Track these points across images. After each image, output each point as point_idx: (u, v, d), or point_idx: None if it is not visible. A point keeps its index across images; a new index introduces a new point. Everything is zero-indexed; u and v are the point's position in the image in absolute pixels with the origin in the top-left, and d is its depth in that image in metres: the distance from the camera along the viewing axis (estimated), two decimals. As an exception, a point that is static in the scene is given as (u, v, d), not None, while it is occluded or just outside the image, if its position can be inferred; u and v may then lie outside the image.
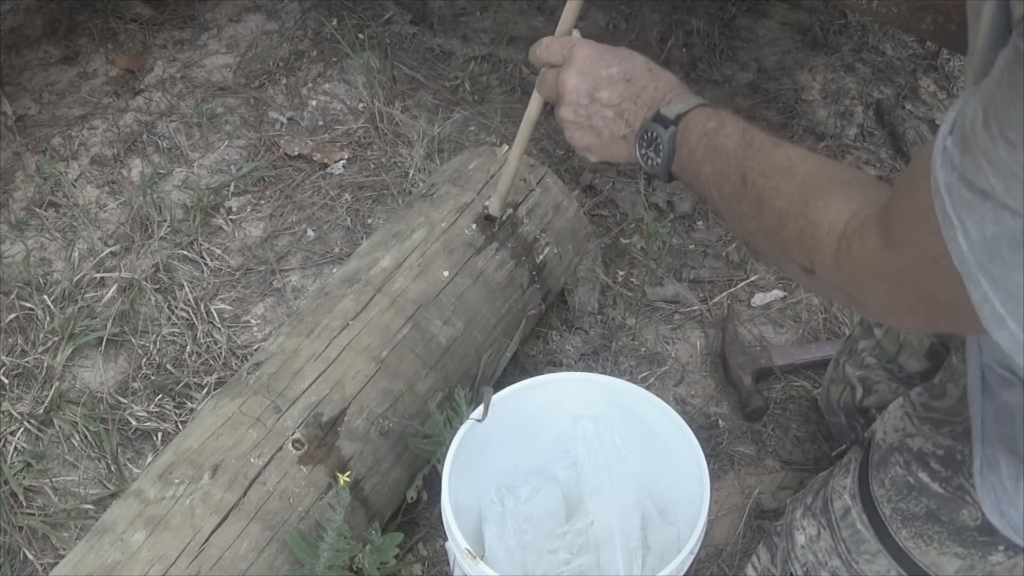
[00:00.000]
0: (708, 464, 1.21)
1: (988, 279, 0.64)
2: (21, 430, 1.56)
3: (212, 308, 1.74)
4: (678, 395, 1.67)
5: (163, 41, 2.28)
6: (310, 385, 1.29)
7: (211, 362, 1.66)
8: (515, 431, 1.32)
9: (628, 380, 1.33)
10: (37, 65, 2.19)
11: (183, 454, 1.22)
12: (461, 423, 1.25)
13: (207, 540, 1.14)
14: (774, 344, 1.74)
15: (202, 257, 1.83)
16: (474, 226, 1.49)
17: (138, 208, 1.88)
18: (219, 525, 1.15)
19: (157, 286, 1.76)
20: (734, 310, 1.78)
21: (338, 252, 1.86)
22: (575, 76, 1.08)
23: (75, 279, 1.76)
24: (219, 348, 1.68)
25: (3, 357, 1.64)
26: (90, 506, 1.48)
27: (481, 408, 1.25)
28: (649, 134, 1.03)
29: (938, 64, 2.31)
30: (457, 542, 1.14)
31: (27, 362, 1.63)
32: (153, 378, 1.63)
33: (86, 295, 1.75)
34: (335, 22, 2.29)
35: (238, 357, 1.67)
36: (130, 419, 1.58)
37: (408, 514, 1.45)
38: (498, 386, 1.29)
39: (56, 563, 1.21)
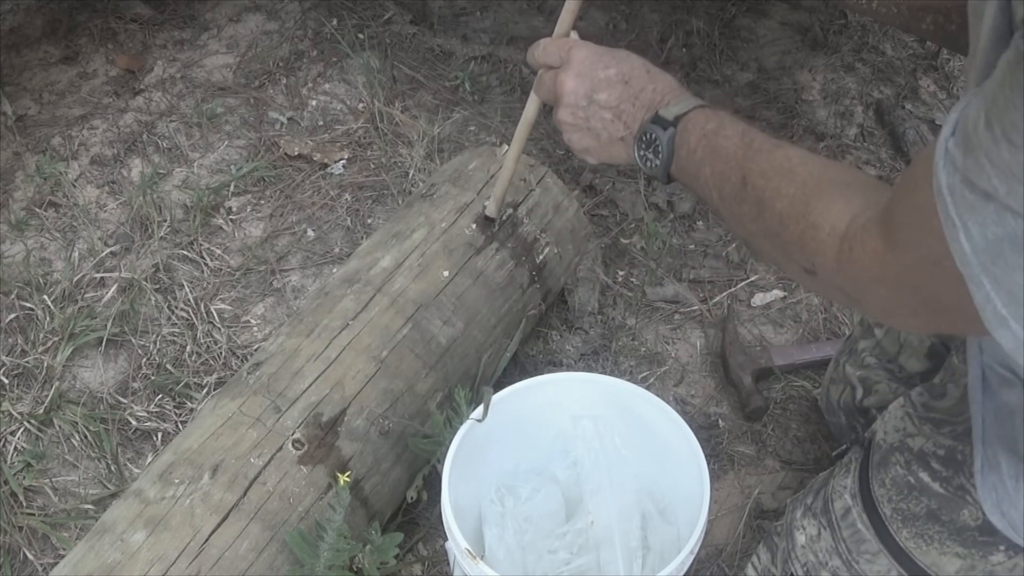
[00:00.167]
0: (708, 464, 1.21)
1: (990, 280, 0.64)
2: (21, 430, 1.56)
3: (212, 308, 1.74)
4: (678, 395, 1.67)
5: (163, 41, 2.28)
6: (310, 385, 1.29)
7: (211, 362, 1.66)
8: (515, 431, 1.32)
9: (628, 380, 1.33)
10: (37, 65, 2.19)
11: (183, 454, 1.22)
12: (461, 423, 1.25)
13: (207, 540, 1.14)
14: (774, 344, 1.74)
15: (202, 257, 1.83)
16: (474, 226, 1.49)
17: (138, 208, 1.88)
18: (219, 525, 1.15)
19: (157, 286, 1.76)
20: (734, 310, 1.78)
21: (338, 252, 1.86)
22: (573, 78, 1.08)
23: (75, 279, 1.76)
24: (219, 348, 1.68)
25: (3, 357, 1.64)
26: (90, 506, 1.48)
27: (481, 408, 1.25)
28: (648, 136, 1.03)
29: (938, 64, 2.31)
30: (457, 542, 1.14)
31: (27, 362, 1.63)
32: (153, 378, 1.63)
33: (86, 295, 1.75)
34: (335, 22, 2.29)
35: (238, 357, 1.67)
36: (130, 419, 1.58)
37: (408, 514, 1.45)
38: (498, 386, 1.29)
39: (56, 563, 1.21)
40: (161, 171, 1.98)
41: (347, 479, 1.20)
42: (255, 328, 1.74)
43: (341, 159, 2.02)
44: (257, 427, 1.24)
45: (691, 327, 1.77)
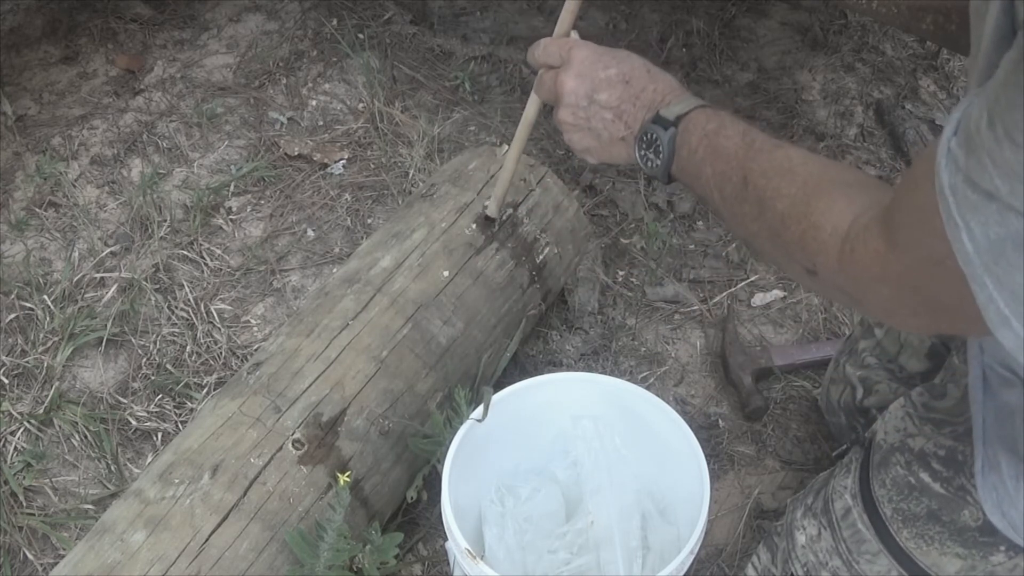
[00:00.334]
0: (708, 464, 1.20)
1: (993, 280, 0.64)
2: (21, 430, 1.56)
3: (212, 308, 1.74)
4: (678, 395, 1.67)
5: (163, 41, 2.28)
6: (310, 385, 1.29)
7: (211, 362, 1.66)
8: (515, 431, 1.32)
9: (628, 380, 1.33)
10: (37, 65, 2.19)
11: (183, 454, 1.22)
12: (461, 423, 1.25)
13: (207, 540, 1.14)
14: (774, 344, 1.74)
15: (202, 257, 1.83)
16: (474, 226, 1.49)
17: (138, 208, 1.88)
18: (219, 525, 1.15)
19: (157, 286, 1.76)
20: (734, 310, 1.78)
21: (338, 252, 1.86)
22: (573, 78, 1.08)
23: (75, 279, 1.76)
24: (219, 348, 1.68)
25: (3, 357, 1.64)
26: (90, 506, 1.48)
27: (481, 408, 1.25)
28: (649, 136, 1.03)
29: (938, 64, 2.31)
30: (457, 542, 1.14)
31: (27, 362, 1.63)
32: (153, 378, 1.63)
33: (86, 295, 1.75)
34: (335, 22, 2.29)
35: (238, 357, 1.67)
36: (130, 419, 1.58)
37: (408, 514, 1.45)
38: (498, 386, 1.29)
39: (56, 563, 1.21)
40: (161, 171, 1.98)
41: (347, 479, 1.20)
42: (255, 328, 1.74)
43: (341, 159, 2.02)
44: (257, 427, 1.24)
45: (691, 327, 1.77)
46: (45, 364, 1.63)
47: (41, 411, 1.58)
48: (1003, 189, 0.60)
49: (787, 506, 1.24)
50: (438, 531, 1.44)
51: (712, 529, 1.48)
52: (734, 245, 1.89)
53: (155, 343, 1.68)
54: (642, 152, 1.04)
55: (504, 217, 1.51)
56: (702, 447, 1.22)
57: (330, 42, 2.25)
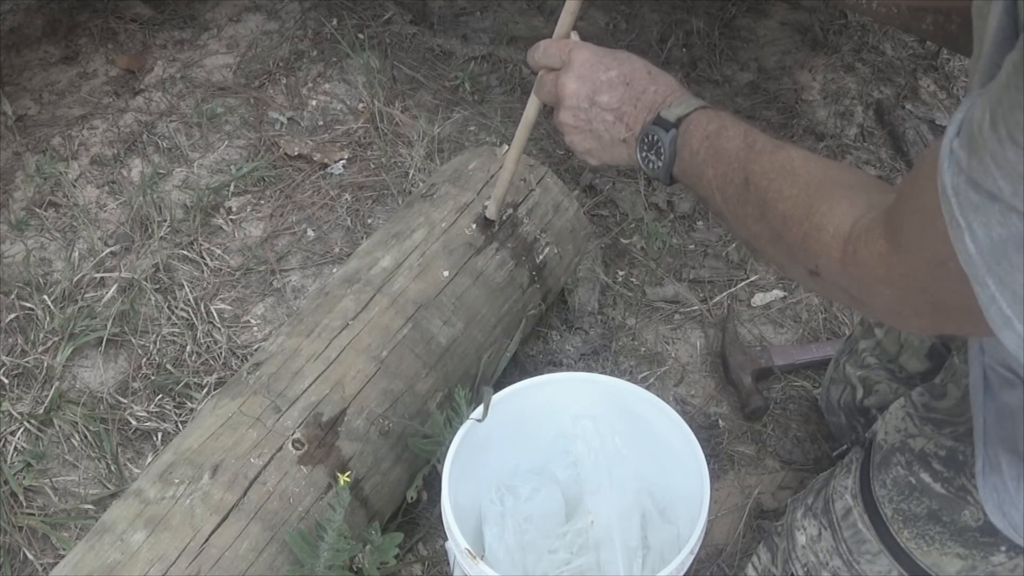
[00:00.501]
0: (708, 464, 1.20)
1: (995, 281, 0.64)
2: (21, 430, 1.56)
3: (212, 308, 1.74)
4: (678, 395, 1.67)
5: (163, 41, 2.28)
6: (310, 385, 1.29)
7: (211, 362, 1.66)
8: (515, 431, 1.32)
9: (628, 380, 1.33)
10: (37, 65, 2.19)
11: (183, 454, 1.22)
12: (461, 423, 1.25)
13: (207, 540, 1.14)
14: (774, 344, 1.74)
15: (202, 257, 1.83)
16: (474, 226, 1.49)
17: (138, 208, 1.88)
18: (219, 525, 1.15)
19: (157, 286, 1.76)
20: (734, 310, 1.78)
21: (338, 252, 1.86)
22: (574, 80, 1.08)
23: (75, 279, 1.76)
24: (219, 348, 1.68)
25: (3, 357, 1.64)
26: (90, 506, 1.48)
27: (481, 408, 1.25)
28: (650, 137, 1.03)
29: (938, 64, 2.31)
30: (457, 542, 1.14)
31: (27, 362, 1.63)
32: (153, 378, 1.63)
33: (86, 295, 1.75)
34: (335, 22, 2.29)
35: (238, 357, 1.67)
36: (130, 419, 1.58)
37: (408, 514, 1.45)
38: (498, 386, 1.29)
39: (56, 563, 1.21)
40: (161, 171, 1.98)
41: (347, 479, 1.20)
42: (255, 328, 1.74)
43: (341, 159, 2.02)
44: (257, 427, 1.24)
45: (691, 327, 1.77)
46: (45, 364, 1.63)
47: (41, 411, 1.58)
48: (1006, 190, 0.60)
49: (787, 506, 1.24)
50: (438, 531, 1.44)
51: (712, 529, 1.48)
52: (734, 245, 1.89)
53: (155, 343, 1.68)
54: (643, 154, 1.04)
55: (504, 217, 1.51)
56: (702, 447, 1.22)
57: (330, 42, 2.25)
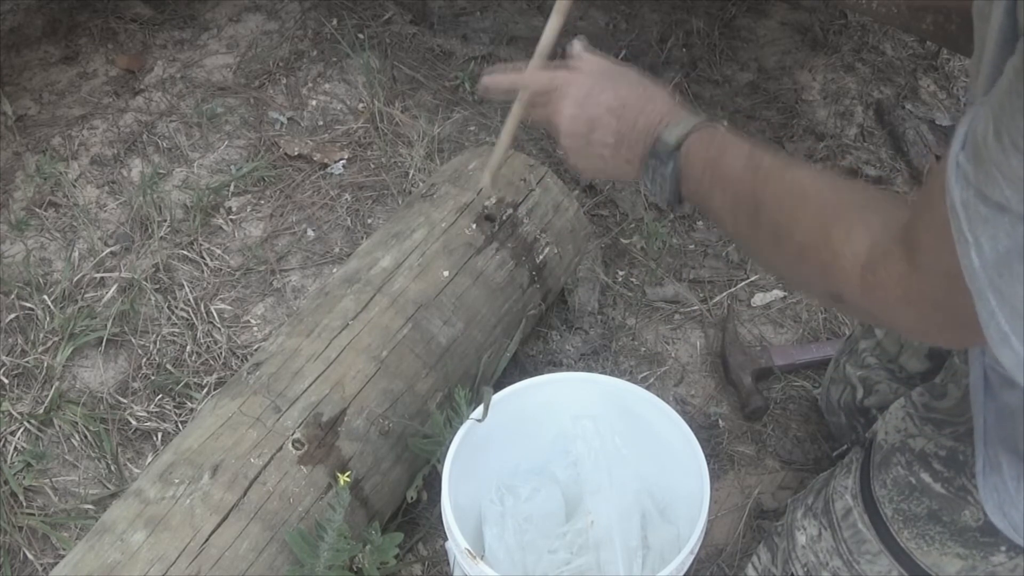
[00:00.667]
0: (708, 464, 1.20)
1: (996, 295, 0.63)
2: (21, 430, 1.56)
3: (212, 308, 1.74)
4: (678, 395, 1.67)
5: (163, 41, 2.28)
6: (310, 385, 1.29)
7: (211, 362, 1.66)
8: (515, 431, 1.32)
9: (628, 380, 1.33)
10: (37, 65, 2.19)
11: (183, 454, 1.22)
12: (461, 423, 1.25)
13: (207, 540, 1.14)
14: (774, 344, 1.74)
15: (202, 257, 1.83)
16: (474, 226, 1.49)
17: (138, 208, 1.88)
18: (219, 525, 1.15)
19: (157, 286, 1.76)
20: (734, 310, 1.78)
21: (338, 252, 1.86)
22: (570, 109, 1.04)
23: (75, 279, 1.76)
24: (219, 348, 1.68)
25: (3, 357, 1.64)
26: (90, 506, 1.48)
27: (481, 408, 1.25)
28: (651, 171, 1.01)
29: (938, 64, 2.31)
30: (457, 542, 1.14)
31: (27, 362, 1.63)
32: (153, 378, 1.63)
33: (86, 295, 1.75)
34: (335, 22, 2.29)
35: (238, 357, 1.67)
36: (130, 419, 1.58)
37: (408, 514, 1.45)
38: (498, 386, 1.29)
39: (56, 563, 1.21)
40: (161, 171, 1.98)
41: (347, 479, 1.20)
42: (255, 328, 1.73)
43: (341, 159, 2.02)
44: (257, 427, 1.24)
45: (691, 327, 1.77)
46: (45, 364, 1.63)
47: (41, 411, 1.58)
48: (1013, 200, 0.60)
49: (787, 506, 1.23)
50: (438, 531, 1.44)
51: (712, 529, 1.48)
52: (734, 245, 1.89)
53: (155, 343, 1.68)
54: (647, 186, 1.02)
55: (504, 217, 1.51)
56: (702, 447, 1.22)
57: (330, 42, 2.25)
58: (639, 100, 1.03)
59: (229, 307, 1.76)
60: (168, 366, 1.65)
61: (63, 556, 1.25)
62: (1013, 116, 0.58)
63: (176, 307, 1.73)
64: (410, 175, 1.96)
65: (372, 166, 2.01)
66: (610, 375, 1.43)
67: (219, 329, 1.70)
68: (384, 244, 1.47)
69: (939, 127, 2.14)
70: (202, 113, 2.08)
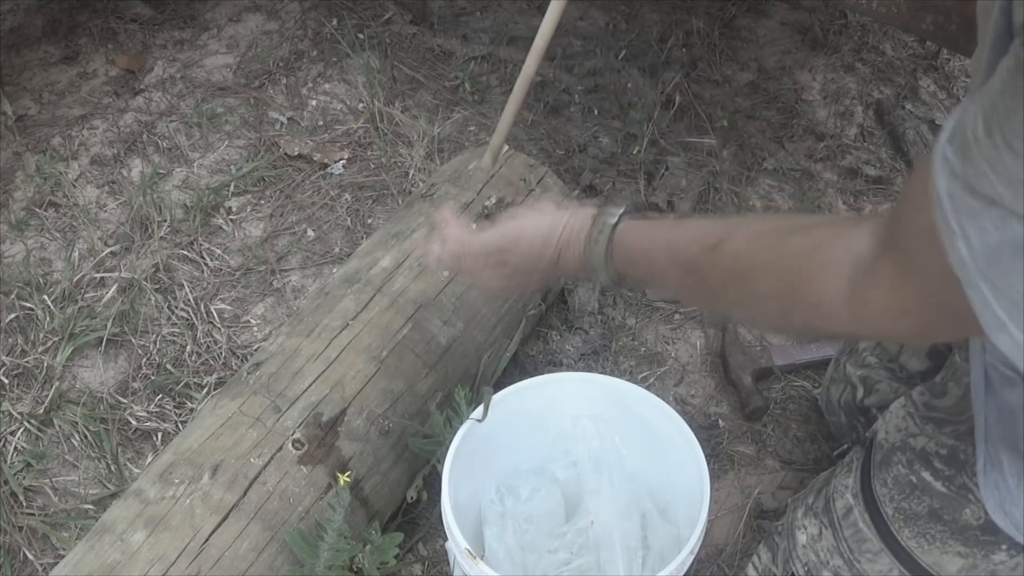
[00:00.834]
0: (708, 464, 1.20)
1: (989, 285, 0.63)
2: (21, 430, 1.56)
3: (212, 308, 1.74)
4: (678, 395, 1.67)
5: (163, 41, 2.28)
6: (310, 385, 1.29)
7: (211, 362, 1.66)
8: (515, 431, 1.32)
9: (628, 380, 1.33)
10: (37, 65, 2.19)
11: (183, 454, 1.22)
12: (461, 423, 1.25)
13: (207, 540, 1.14)
14: (774, 344, 1.73)
15: (202, 257, 1.83)
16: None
17: (138, 208, 1.88)
18: (219, 525, 1.15)
19: (157, 286, 1.76)
20: (734, 310, 1.78)
21: (338, 252, 1.85)
22: (487, 277, 1.11)
23: (75, 279, 1.76)
24: (219, 348, 1.67)
25: (3, 357, 1.64)
26: (90, 506, 1.48)
27: (481, 408, 1.25)
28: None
29: (938, 64, 2.31)
30: (457, 542, 1.14)
31: (27, 362, 1.63)
32: (153, 378, 1.63)
33: (86, 295, 1.75)
34: (335, 22, 2.29)
35: (238, 357, 1.67)
36: (130, 419, 1.58)
37: (408, 514, 1.45)
38: (498, 386, 1.29)
39: (56, 563, 1.21)
40: (161, 171, 1.98)
41: (347, 479, 1.20)
42: (255, 328, 1.73)
43: (341, 159, 2.02)
44: (257, 427, 1.24)
45: (691, 327, 1.77)
46: (45, 364, 1.63)
47: (41, 411, 1.58)
48: (1006, 196, 0.60)
49: (788, 506, 1.23)
50: (438, 531, 1.44)
51: (712, 529, 1.48)
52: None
53: (155, 343, 1.68)
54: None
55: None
56: (702, 447, 1.22)
57: (330, 42, 2.25)
58: (532, 260, 1.05)
59: (229, 307, 1.76)
60: (168, 366, 1.64)
61: (63, 556, 1.25)
62: (1007, 116, 0.58)
63: (176, 307, 1.73)
64: (410, 175, 1.96)
65: (372, 166, 2.01)
66: (610, 375, 1.43)
67: (219, 329, 1.70)
68: (384, 244, 1.47)
69: (939, 127, 2.14)
70: (202, 113, 2.08)
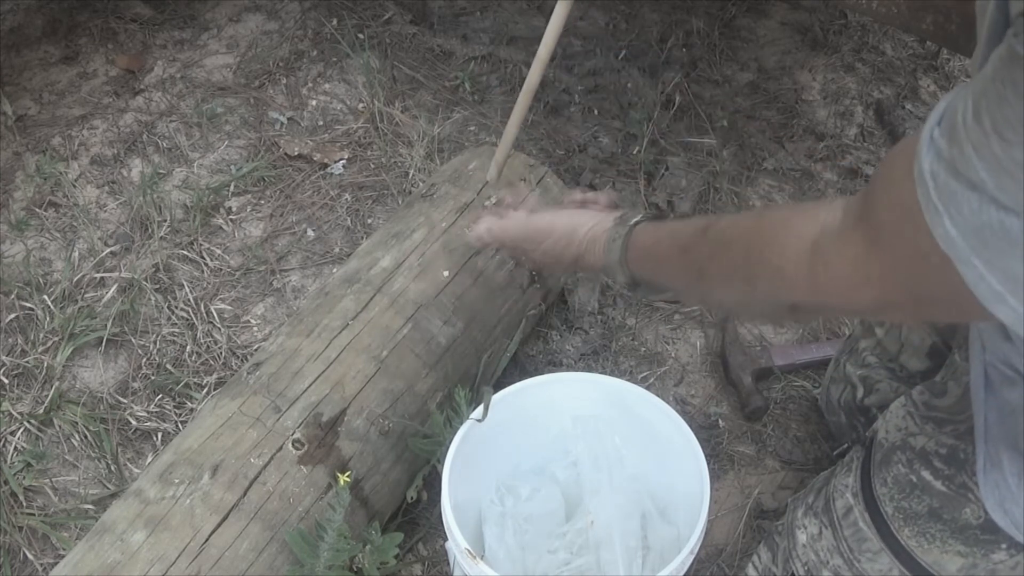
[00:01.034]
0: (708, 464, 1.20)
1: (981, 260, 0.64)
2: (21, 430, 1.56)
3: (212, 308, 1.74)
4: (678, 395, 1.67)
5: (163, 41, 2.28)
6: (310, 385, 1.29)
7: (211, 362, 1.66)
8: (515, 431, 1.32)
9: (628, 380, 1.33)
10: (37, 65, 2.19)
11: (183, 454, 1.22)
12: (461, 423, 1.25)
13: (207, 540, 1.14)
14: (774, 344, 1.73)
15: (202, 257, 1.83)
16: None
17: (138, 208, 1.88)
18: (219, 525, 1.15)
19: (157, 286, 1.76)
20: (734, 310, 1.78)
21: (338, 252, 1.85)
22: (534, 253, 1.18)
23: (75, 279, 1.76)
24: (219, 348, 1.67)
25: (3, 357, 1.64)
26: (90, 506, 1.48)
27: (481, 408, 1.25)
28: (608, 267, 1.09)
29: (938, 64, 2.31)
30: (457, 542, 1.14)
31: (27, 362, 1.63)
32: (153, 378, 1.63)
33: (86, 295, 1.75)
34: (335, 22, 2.29)
35: (238, 357, 1.67)
36: (130, 419, 1.58)
37: (408, 514, 1.45)
38: (498, 386, 1.29)
39: (56, 563, 1.21)
40: (161, 171, 1.98)
41: (347, 479, 1.20)
42: (255, 328, 1.73)
43: (341, 159, 2.02)
44: (257, 427, 1.24)
45: (691, 327, 1.77)
46: (45, 364, 1.63)
47: (41, 411, 1.58)
48: (989, 183, 0.60)
49: (788, 505, 1.23)
50: (438, 531, 1.44)
51: (712, 529, 1.48)
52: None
53: (155, 343, 1.68)
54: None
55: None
56: (702, 447, 1.22)
57: (330, 42, 2.25)
58: (563, 244, 1.14)
59: (229, 307, 1.76)
60: (168, 366, 1.64)
61: (63, 556, 1.25)
62: (998, 104, 0.58)
63: (176, 307, 1.73)
64: (410, 175, 1.96)
65: (372, 166, 2.01)
66: (610, 375, 1.43)
67: (219, 329, 1.70)
68: (384, 244, 1.47)
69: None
70: (202, 113, 2.08)
